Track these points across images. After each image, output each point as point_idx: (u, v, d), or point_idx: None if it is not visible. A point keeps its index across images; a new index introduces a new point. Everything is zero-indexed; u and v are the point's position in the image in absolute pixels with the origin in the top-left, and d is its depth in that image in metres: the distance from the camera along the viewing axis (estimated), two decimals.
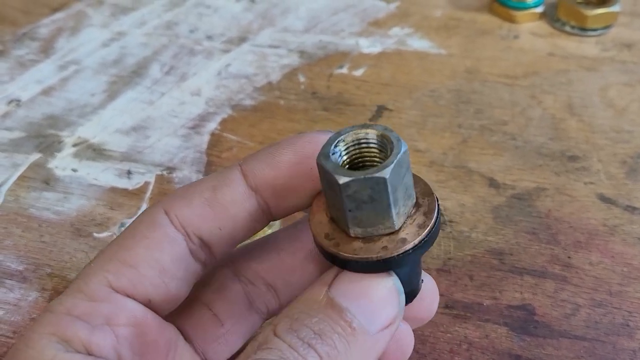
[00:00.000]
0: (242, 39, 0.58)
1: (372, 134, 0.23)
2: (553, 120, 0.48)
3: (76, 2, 0.63)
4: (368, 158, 0.23)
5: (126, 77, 0.54)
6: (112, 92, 0.52)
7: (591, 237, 0.39)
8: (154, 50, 0.57)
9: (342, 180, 0.21)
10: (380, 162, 0.22)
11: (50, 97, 0.52)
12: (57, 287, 0.38)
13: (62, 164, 0.46)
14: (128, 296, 0.24)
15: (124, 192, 0.44)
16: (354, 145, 0.23)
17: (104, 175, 0.45)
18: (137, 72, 0.54)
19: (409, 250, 0.22)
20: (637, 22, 0.58)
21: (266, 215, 0.26)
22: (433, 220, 0.23)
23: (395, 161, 0.21)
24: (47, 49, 0.57)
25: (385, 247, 0.22)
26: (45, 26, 0.60)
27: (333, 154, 0.22)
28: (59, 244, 0.41)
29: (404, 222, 0.23)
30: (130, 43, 0.58)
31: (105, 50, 0.57)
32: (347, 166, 0.23)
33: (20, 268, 0.39)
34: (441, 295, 0.36)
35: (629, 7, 0.59)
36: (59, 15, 0.61)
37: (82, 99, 0.52)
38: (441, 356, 0.34)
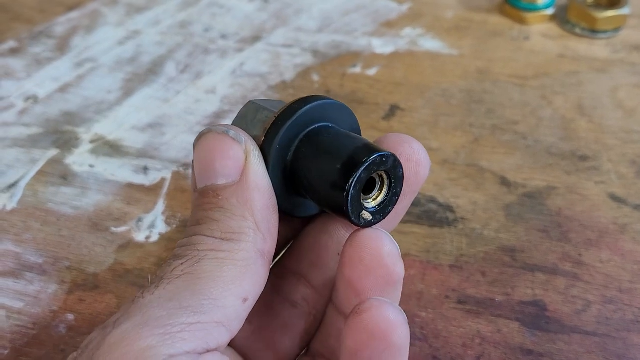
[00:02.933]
0: (256, 38, 0.58)
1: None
2: (563, 121, 0.48)
3: (91, 1, 0.64)
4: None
5: (142, 75, 0.55)
6: (128, 90, 0.53)
7: (602, 235, 0.40)
8: (169, 49, 0.57)
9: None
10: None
11: (66, 93, 0.53)
12: (76, 279, 0.39)
13: (79, 159, 0.47)
14: None
15: (141, 187, 0.45)
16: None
17: (121, 171, 0.46)
18: (153, 70, 0.55)
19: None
20: None
21: None
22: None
23: None
24: (63, 47, 0.58)
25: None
26: (61, 24, 0.61)
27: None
28: (77, 237, 0.41)
29: None
30: (145, 42, 0.58)
31: (121, 49, 0.58)
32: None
33: (40, 261, 0.40)
34: (454, 290, 0.37)
35: (638, 9, 0.59)
36: (74, 14, 0.62)
37: (99, 96, 0.53)
38: (454, 350, 0.34)
